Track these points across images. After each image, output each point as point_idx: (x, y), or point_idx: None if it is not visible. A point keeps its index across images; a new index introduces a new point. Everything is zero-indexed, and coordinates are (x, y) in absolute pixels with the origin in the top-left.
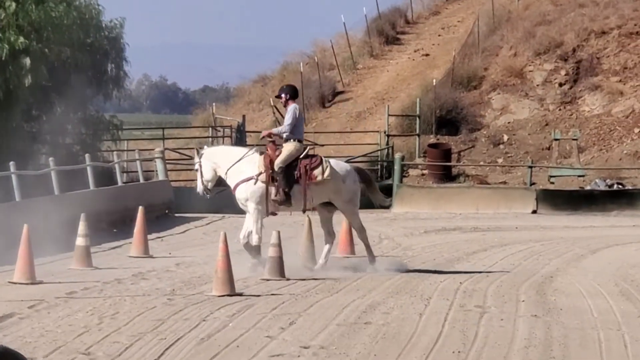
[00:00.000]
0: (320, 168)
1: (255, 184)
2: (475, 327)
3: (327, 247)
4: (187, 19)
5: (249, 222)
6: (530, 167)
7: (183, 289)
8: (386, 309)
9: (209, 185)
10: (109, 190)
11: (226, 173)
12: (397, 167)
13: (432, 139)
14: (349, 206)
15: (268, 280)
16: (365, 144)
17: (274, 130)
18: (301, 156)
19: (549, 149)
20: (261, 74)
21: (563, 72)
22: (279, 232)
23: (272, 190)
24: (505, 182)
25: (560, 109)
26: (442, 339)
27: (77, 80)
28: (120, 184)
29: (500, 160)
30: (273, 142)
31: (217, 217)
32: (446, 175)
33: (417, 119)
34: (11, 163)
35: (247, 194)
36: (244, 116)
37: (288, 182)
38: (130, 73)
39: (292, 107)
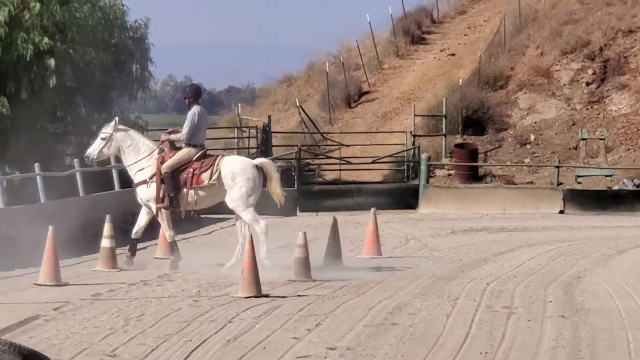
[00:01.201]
0: (209, 172)
1: (148, 187)
2: (502, 328)
3: (240, 244)
4: (212, 18)
5: (141, 217)
6: (558, 167)
7: (209, 290)
8: (413, 310)
9: (103, 157)
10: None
11: (129, 166)
12: (423, 168)
13: (458, 139)
14: (237, 203)
15: (294, 281)
16: (392, 144)
17: (172, 137)
18: (194, 158)
19: (576, 148)
20: (287, 74)
21: (590, 72)
22: (304, 233)
23: (161, 194)
24: (532, 182)
25: (587, 109)
26: (469, 340)
27: (102, 81)
28: None
29: (527, 160)
30: (173, 143)
31: None
32: (473, 176)
33: (444, 119)
34: (36, 164)
35: (147, 196)
36: (269, 117)
37: (175, 186)
38: (155, 73)
39: (191, 112)
